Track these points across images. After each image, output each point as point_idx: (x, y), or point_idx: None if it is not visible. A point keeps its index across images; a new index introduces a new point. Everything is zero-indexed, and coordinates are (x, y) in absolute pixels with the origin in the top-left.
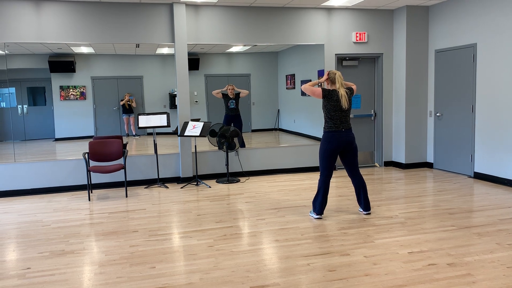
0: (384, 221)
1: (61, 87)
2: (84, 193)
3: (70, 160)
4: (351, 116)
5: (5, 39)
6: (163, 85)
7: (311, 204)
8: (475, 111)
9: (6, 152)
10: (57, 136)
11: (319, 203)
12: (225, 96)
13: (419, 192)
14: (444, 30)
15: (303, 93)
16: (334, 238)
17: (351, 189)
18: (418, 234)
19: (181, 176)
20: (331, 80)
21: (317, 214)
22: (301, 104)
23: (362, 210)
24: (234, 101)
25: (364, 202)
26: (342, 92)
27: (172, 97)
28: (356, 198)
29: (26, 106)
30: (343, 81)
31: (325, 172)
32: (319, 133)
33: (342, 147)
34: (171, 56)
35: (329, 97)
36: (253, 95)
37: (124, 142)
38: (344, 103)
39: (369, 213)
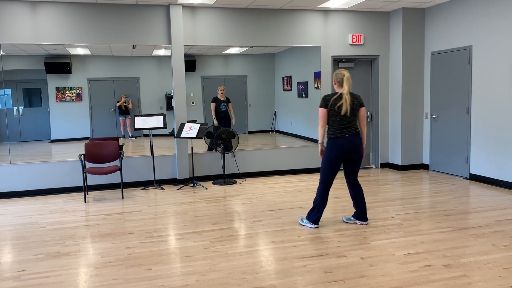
0: (381, 223)
1: (57, 89)
2: (80, 195)
3: (66, 161)
4: None
5: (0, 40)
6: (159, 86)
7: (307, 210)
8: (471, 113)
9: (1, 154)
10: (53, 138)
11: (315, 215)
12: (216, 101)
13: (415, 193)
14: (440, 32)
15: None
16: (330, 240)
17: (348, 190)
18: (414, 235)
19: (177, 177)
20: (338, 81)
21: (314, 224)
22: (298, 106)
23: (361, 222)
24: (225, 104)
25: (363, 212)
26: (348, 97)
27: (169, 98)
28: (354, 207)
29: (22, 107)
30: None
31: (326, 182)
32: (316, 135)
33: (347, 154)
34: (168, 58)
35: (330, 104)
36: (249, 97)
37: (120, 144)
38: (346, 108)
39: (367, 223)
